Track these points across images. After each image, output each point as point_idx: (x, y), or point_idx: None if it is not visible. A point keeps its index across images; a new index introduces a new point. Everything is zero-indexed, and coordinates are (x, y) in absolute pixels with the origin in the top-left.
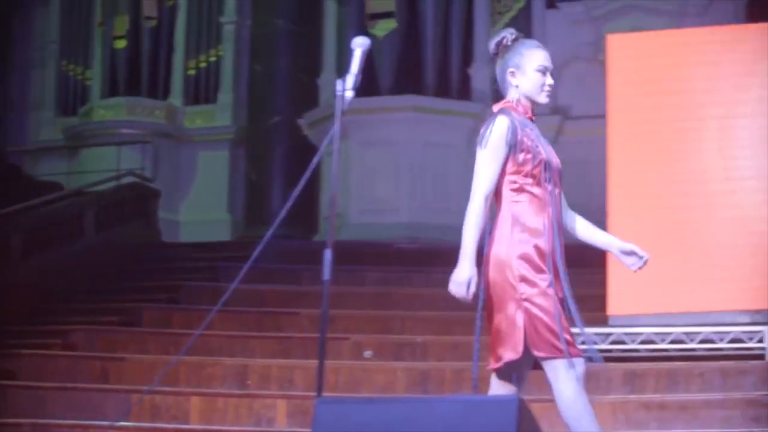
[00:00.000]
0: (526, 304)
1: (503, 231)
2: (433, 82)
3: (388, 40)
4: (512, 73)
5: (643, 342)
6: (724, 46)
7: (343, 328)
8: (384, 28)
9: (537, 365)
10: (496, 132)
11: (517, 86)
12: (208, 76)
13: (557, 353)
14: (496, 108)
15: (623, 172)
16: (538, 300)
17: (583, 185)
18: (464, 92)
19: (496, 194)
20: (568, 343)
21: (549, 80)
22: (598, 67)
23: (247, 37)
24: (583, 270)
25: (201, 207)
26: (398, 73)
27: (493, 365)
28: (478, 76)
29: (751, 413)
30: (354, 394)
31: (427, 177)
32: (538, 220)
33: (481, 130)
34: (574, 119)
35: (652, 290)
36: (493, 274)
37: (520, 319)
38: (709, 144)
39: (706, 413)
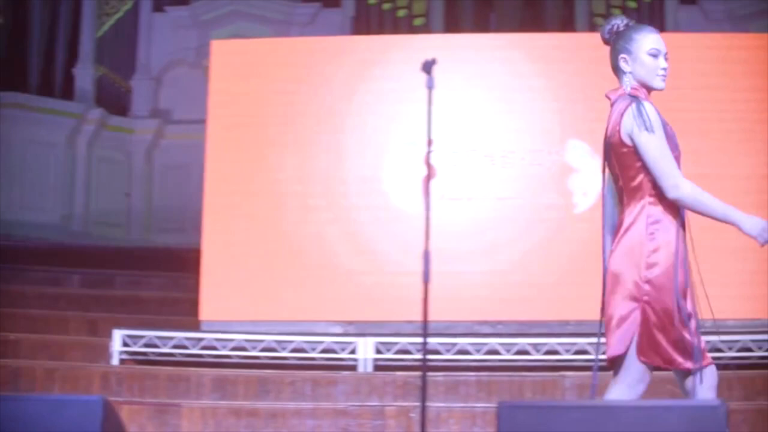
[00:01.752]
0: (646, 307)
1: (640, 225)
2: (37, 80)
3: None
4: (624, 59)
5: (234, 348)
6: (330, 57)
7: None
8: None
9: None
10: (653, 115)
11: (630, 72)
12: None
13: (662, 364)
14: (613, 95)
15: (220, 177)
16: (658, 306)
17: (182, 188)
18: (67, 92)
19: (634, 186)
20: (694, 351)
21: (663, 63)
22: (202, 72)
23: None
24: (176, 274)
25: None
26: (2, 70)
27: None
28: (81, 75)
29: (341, 423)
30: None
31: (27, 175)
32: (673, 220)
33: (628, 117)
34: (175, 123)
35: (245, 297)
36: (620, 264)
37: (635, 319)
38: (308, 153)
39: (297, 422)
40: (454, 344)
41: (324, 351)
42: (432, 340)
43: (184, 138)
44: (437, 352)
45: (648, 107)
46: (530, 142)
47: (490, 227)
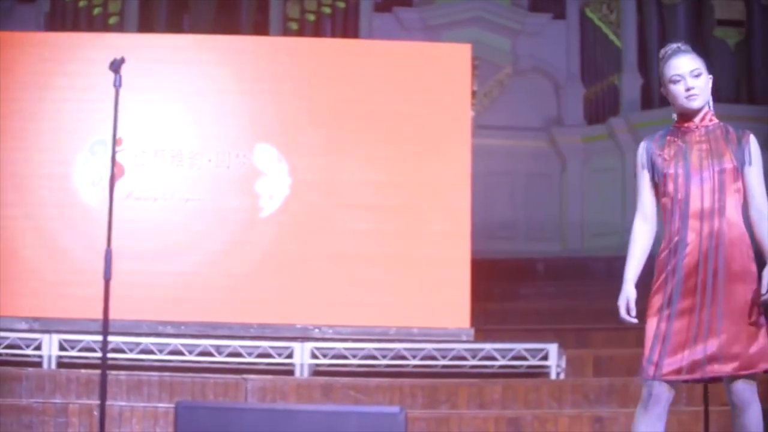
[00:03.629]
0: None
1: None
2: None
3: None
4: (664, 91)
5: None
6: (21, 52)
7: None
8: None
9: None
10: (639, 155)
11: (672, 104)
12: None
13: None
14: None
15: None
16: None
17: None
18: None
19: None
20: (655, 364)
21: (688, 83)
22: None
23: None
24: None
25: None
26: None
27: None
28: None
29: (25, 420)
30: None
31: None
32: (670, 238)
33: None
34: None
35: None
36: None
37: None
38: None
39: None
40: (138, 343)
41: (8, 347)
42: (115, 339)
43: None
44: (121, 351)
45: (640, 147)
46: (218, 144)
47: (176, 228)
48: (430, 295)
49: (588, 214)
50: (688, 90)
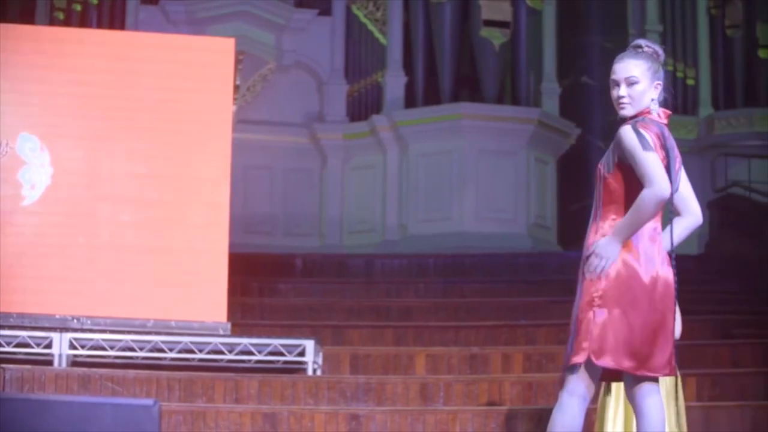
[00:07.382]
0: None
1: None
2: None
3: None
4: None
5: None
6: None
7: None
8: None
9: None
10: (646, 138)
11: None
12: None
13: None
14: None
15: None
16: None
17: None
18: None
19: None
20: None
21: (620, 92)
22: None
23: None
24: None
25: None
26: None
27: None
28: None
29: None
30: None
31: None
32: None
33: None
34: None
35: None
36: None
37: None
38: None
39: None
40: None
41: None
42: None
43: None
44: None
45: (651, 131)
46: None
47: None
48: (188, 288)
49: (347, 211)
50: (619, 98)
